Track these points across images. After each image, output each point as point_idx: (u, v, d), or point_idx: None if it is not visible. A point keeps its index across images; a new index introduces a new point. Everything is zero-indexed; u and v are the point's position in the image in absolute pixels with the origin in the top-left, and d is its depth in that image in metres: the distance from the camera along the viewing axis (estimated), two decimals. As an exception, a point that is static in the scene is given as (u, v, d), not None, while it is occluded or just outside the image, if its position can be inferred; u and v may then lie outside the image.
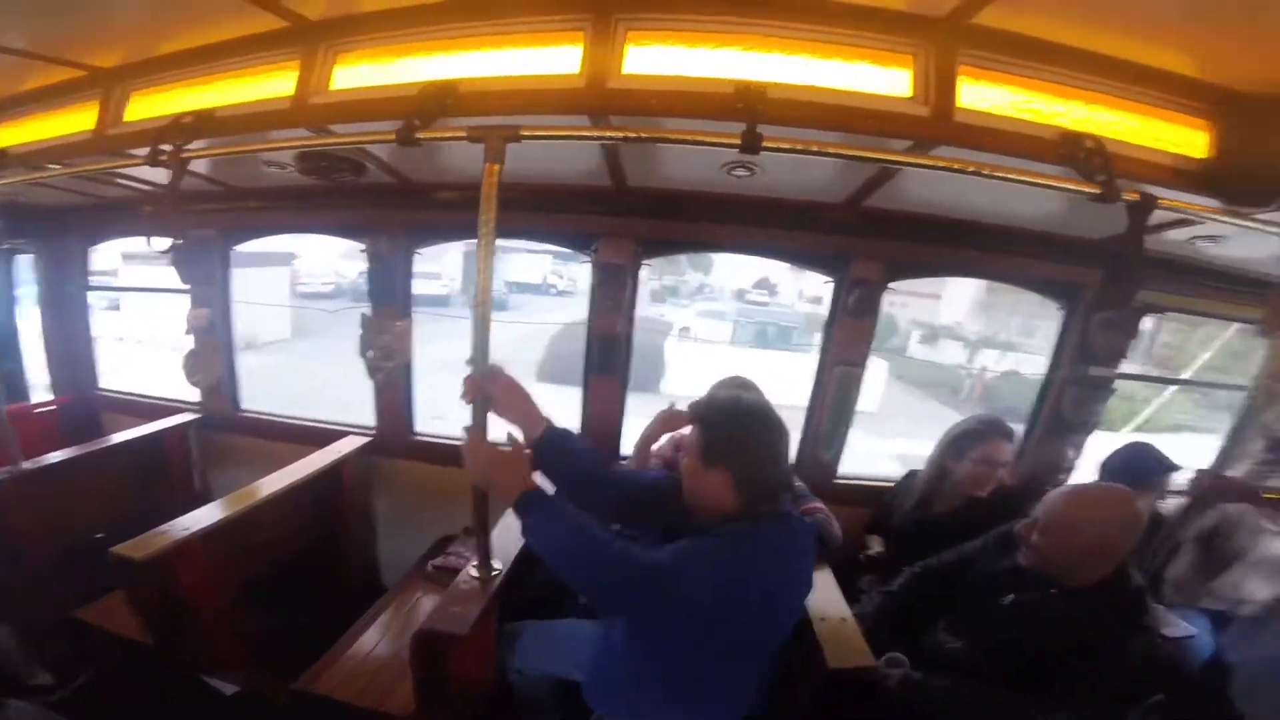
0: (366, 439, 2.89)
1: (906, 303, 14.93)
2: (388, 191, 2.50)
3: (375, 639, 2.15)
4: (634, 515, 1.65)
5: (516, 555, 1.80)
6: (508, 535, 1.80)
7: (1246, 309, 2.45)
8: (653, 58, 1.44)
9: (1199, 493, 1.99)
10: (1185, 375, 3.96)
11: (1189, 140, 1.48)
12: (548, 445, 1.54)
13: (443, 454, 2.80)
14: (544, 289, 19.28)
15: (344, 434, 2.92)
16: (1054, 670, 1.50)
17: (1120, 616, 1.58)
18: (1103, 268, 2.35)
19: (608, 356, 2.65)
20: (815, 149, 1.36)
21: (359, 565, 2.89)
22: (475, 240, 1.44)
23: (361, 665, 2.01)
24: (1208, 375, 3.67)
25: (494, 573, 1.71)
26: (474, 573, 1.70)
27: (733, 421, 1.44)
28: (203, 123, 1.68)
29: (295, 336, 12.88)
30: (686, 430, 1.59)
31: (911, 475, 2.43)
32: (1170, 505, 2.27)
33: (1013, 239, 2.31)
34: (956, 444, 2.25)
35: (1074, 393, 2.49)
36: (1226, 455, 2.61)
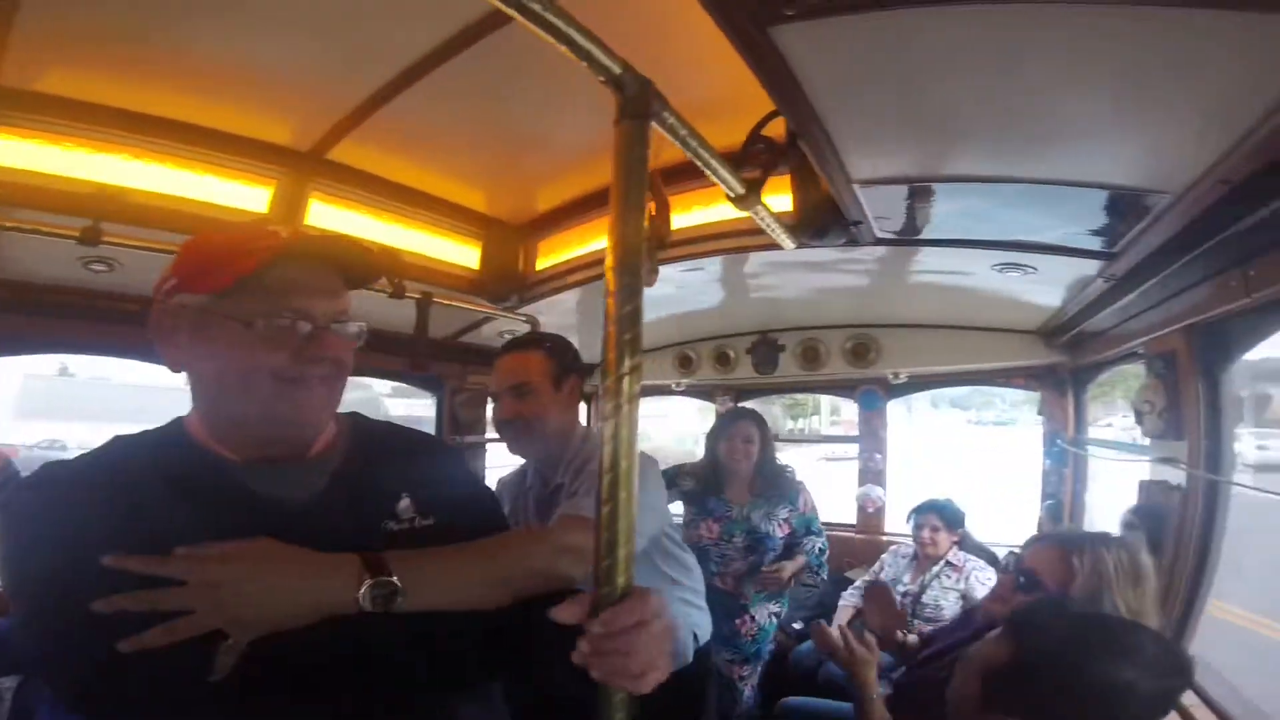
0: None
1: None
2: None
3: None
4: None
5: None
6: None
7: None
8: (7, 152, 1.41)
9: None
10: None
11: (468, 255, 2.36)
12: None
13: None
14: None
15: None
16: None
17: None
18: (459, 363, 3.31)
19: None
20: (158, 246, 1.51)
21: None
22: None
23: None
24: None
25: None
26: None
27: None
28: None
29: None
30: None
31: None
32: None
33: (395, 343, 2.96)
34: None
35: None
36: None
